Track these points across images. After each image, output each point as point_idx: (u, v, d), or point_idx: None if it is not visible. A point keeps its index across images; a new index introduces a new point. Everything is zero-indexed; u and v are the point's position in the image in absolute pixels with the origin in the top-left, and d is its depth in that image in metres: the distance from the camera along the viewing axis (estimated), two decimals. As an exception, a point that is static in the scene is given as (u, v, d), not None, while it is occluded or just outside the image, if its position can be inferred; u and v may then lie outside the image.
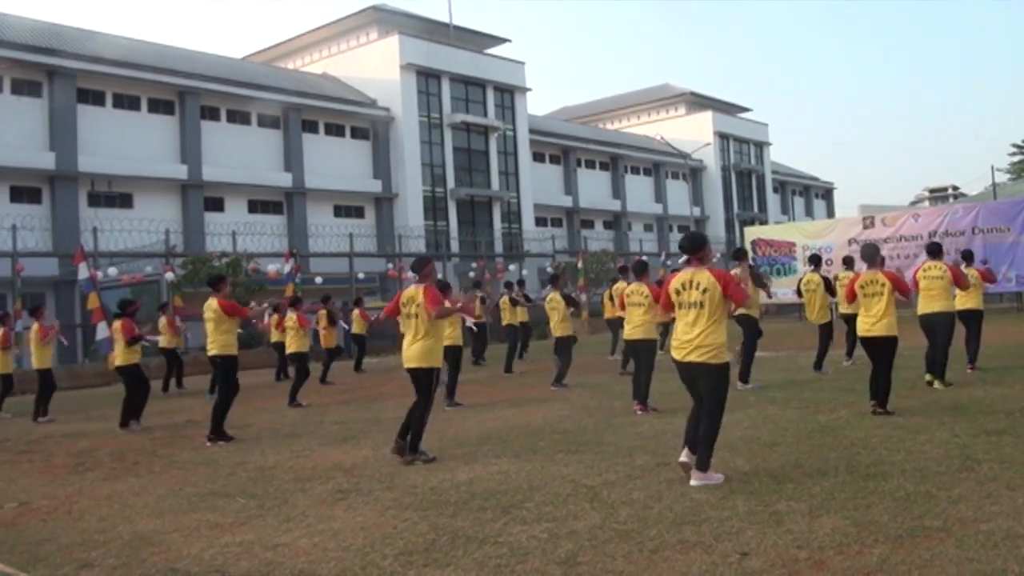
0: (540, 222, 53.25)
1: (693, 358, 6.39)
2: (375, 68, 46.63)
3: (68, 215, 33.98)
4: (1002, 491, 5.52)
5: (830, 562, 4.38)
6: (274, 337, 18.96)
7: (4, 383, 15.65)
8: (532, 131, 53.44)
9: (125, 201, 36.63)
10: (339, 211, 44.32)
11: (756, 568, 4.37)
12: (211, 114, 40.15)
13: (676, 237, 60.55)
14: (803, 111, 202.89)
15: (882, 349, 8.84)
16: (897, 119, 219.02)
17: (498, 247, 46.75)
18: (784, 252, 29.79)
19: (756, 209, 71.43)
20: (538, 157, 55.70)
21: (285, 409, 13.52)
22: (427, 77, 47.04)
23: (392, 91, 45.75)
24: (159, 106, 38.18)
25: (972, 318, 12.27)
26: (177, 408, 14.71)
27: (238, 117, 41.42)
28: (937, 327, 10.86)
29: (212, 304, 10.60)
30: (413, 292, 8.28)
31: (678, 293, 6.55)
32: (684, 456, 6.48)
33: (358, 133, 46.01)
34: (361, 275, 31.37)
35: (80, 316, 27.86)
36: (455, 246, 43.84)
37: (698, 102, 72.24)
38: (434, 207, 46.88)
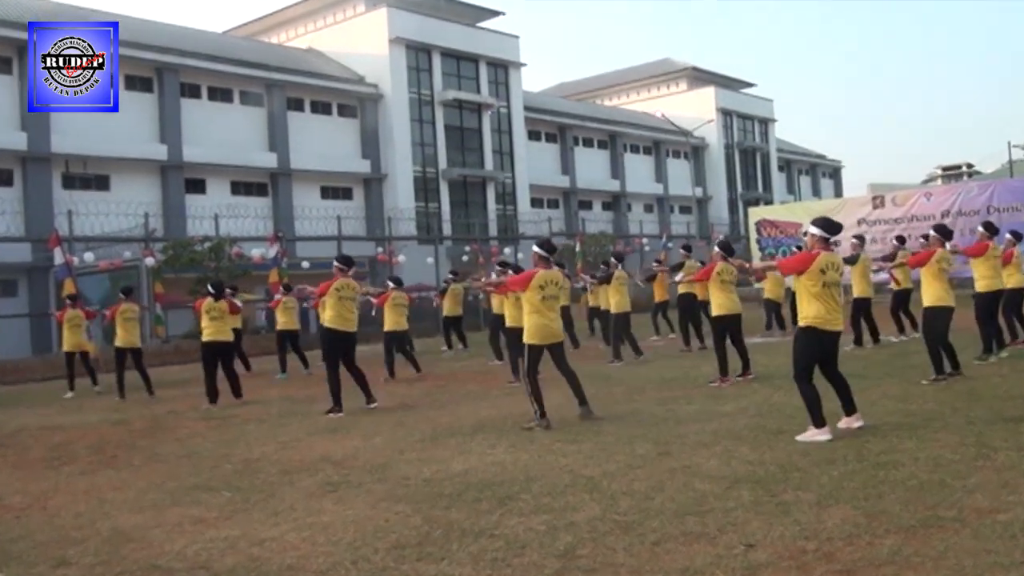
0: (536, 203, 53.20)
1: (841, 328, 7.45)
2: (363, 42, 46.41)
3: (41, 198, 33.86)
4: (1020, 480, 5.52)
5: (839, 554, 4.38)
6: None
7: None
8: (527, 108, 53.30)
9: (101, 183, 36.50)
10: (326, 193, 44.23)
11: (762, 560, 4.37)
12: (191, 92, 39.97)
13: (677, 218, 60.70)
14: (810, 86, 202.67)
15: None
16: (908, 94, 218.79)
17: (492, 230, 46.71)
18: (790, 233, 29.78)
19: (761, 189, 71.43)
20: (533, 135, 55.58)
21: (270, 399, 13.51)
22: (417, 52, 46.86)
23: (381, 67, 45.57)
24: (136, 83, 37.98)
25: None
26: (159, 398, 14.68)
27: (220, 95, 41.25)
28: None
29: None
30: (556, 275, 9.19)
31: (823, 272, 7.29)
32: (856, 420, 7.43)
33: (345, 111, 45.86)
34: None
35: (55, 303, 27.79)
36: (447, 229, 43.80)
37: (700, 77, 72.09)
38: (425, 188, 46.79)
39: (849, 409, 7.54)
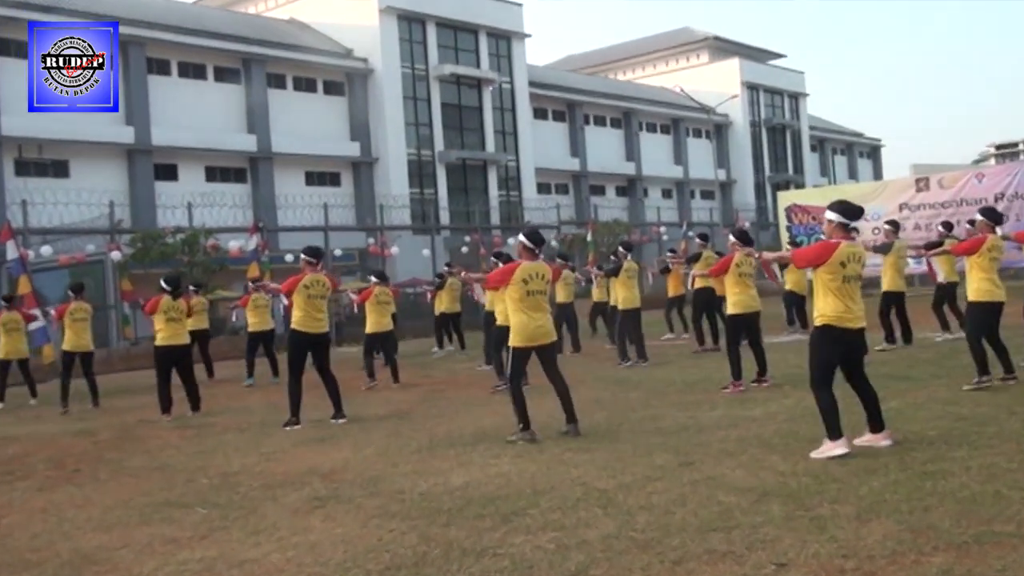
0: (543, 188, 53.22)
1: (863, 324, 7.23)
2: (350, 12, 46.41)
3: (-7, 187, 33.92)
4: (1080, 490, 5.50)
5: (881, 573, 4.36)
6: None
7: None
8: (532, 84, 53.29)
9: (60, 169, 36.55)
10: (311, 179, 44.28)
11: (797, 581, 4.36)
12: (160, 68, 39.99)
13: (699, 204, 60.65)
14: (845, 56, 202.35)
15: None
16: (957, 64, 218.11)
17: (494, 218, 46.73)
18: (823, 219, 29.78)
19: (791, 171, 71.39)
20: (540, 114, 55.58)
21: (252, 406, 13.52)
22: (410, 22, 46.86)
23: (370, 39, 45.57)
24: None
25: None
26: (127, 407, 14.70)
27: (192, 71, 41.26)
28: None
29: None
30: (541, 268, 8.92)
31: (844, 266, 7.08)
32: (885, 439, 7.14)
33: (332, 88, 45.87)
34: (338, 252, 31.35)
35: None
36: (445, 217, 43.85)
37: (723, 48, 72.00)
38: (420, 173, 46.81)
39: (875, 425, 7.21)
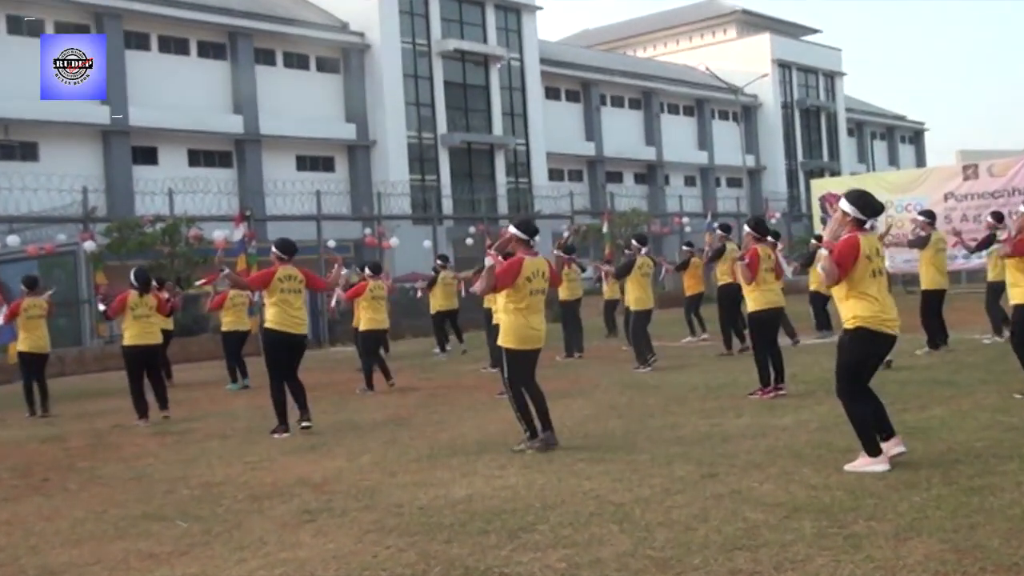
0: (554, 175, 53.18)
1: (898, 329, 7.14)
2: (345, -18, 46.46)
3: (-46, 171, 33.94)
4: None
5: (923, 597, 4.35)
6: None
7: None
8: (544, 61, 53.24)
9: (28, 152, 36.61)
10: (303, 163, 44.31)
11: (829, 605, 4.35)
12: (139, 42, 40.04)
13: (725, 192, 60.58)
14: (886, 32, 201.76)
15: None
16: (1009, 41, 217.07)
17: (502, 207, 46.72)
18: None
19: (826, 157, 71.26)
20: (552, 93, 55.52)
21: (236, 411, 13.54)
22: (411, -8, 46.86)
23: (367, 11, 45.58)
24: (71, 32, 38.03)
25: None
26: (100, 410, 14.73)
27: (173, 46, 41.30)
28: None
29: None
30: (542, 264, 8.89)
31: (870, 260, 6.98)
32: (896, 445, 7.02)
33: (325, 65, 45.88)
34: (332, 243, 31.34)
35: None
36: (448, 206, 43.81)
37: (752, 22, 71.89)
38: (421, 157, 46.82)
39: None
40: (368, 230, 34.46)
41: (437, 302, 20.83)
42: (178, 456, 9.91)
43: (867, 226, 7.12)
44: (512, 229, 8.96)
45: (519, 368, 8.81)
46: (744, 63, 64.89)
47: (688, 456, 7.83)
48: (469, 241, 35.37)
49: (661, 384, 12.93)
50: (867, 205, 7.04)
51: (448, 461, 8.42)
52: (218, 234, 28.11)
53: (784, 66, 68.93)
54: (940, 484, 6.29)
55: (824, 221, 30.32)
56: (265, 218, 35.22)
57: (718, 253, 16.56)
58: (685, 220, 44.17)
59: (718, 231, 17.29)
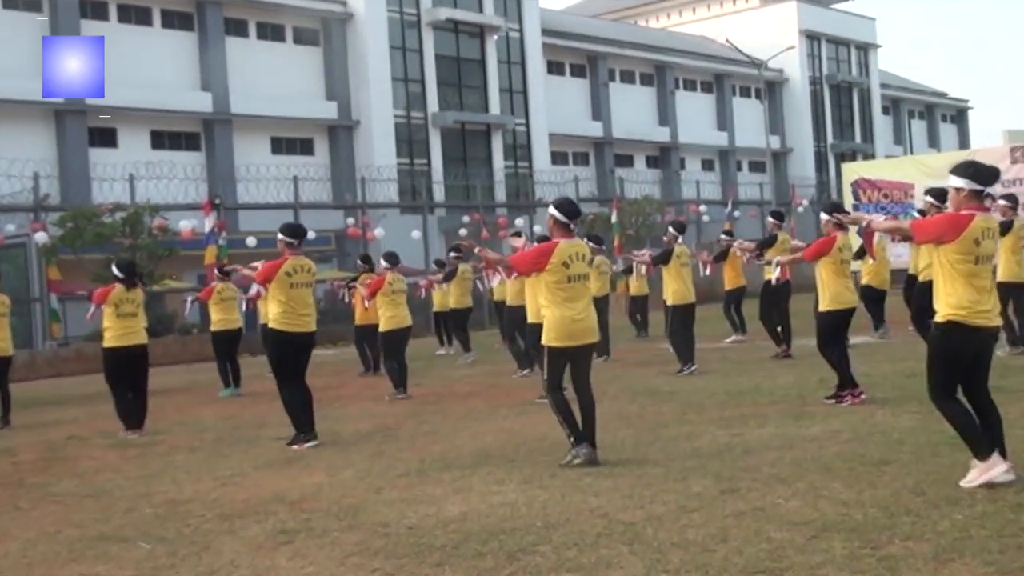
0: (558, 158, 53.14)
1: (999, 322, 7.04)
2: (325, -56, 46.42)
3: None
4: None
5: (965, 625, 4.36)
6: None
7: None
8: (546, 32, 53.18)
9: (-29, 134, 36.56)
10: (278, 146, 44.24)
11: (862, 634, 4.36)
12: (95, 11, 39.94)
13: (746, 177, 60.63)
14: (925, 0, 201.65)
15: None
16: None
17: (499, 193, 46.70)
18: (898, 198, 29.72)
19: (858, 138, 71.22)
20: (555, 68, 55.47)
21: (205, 421, 13.54)
22: (398, -44, 46.82)
23: (350, -24, 45.52)
24: (18, 1, 38.04)
25: None
26: (54, 420, 14.70)
27: (135, 15, 41.23)
28: None
29: None
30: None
31: (978, 244, 6.72)
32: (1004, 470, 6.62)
33: (304, 36, 45.82)
34: (311, 234, 31.33)
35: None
36: (439, 193, 43.78)
37: (778, -11, 71.78)
38: (410, 139, 46.77)
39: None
40: (351, 220, 34.49)
41: (456, 298, 20.72)
42: (140, 471, 9.90)
43: (985, 195, 6.83)
44: (552, 211, 8.77)
45: (560, 368, 8.69)
46: (768, 34, 64.78)
47: (706, 470, 7.83)
48: (463, 232, 35.37)
49: (677, 390, 12.92)
50: (980, 172, 6.80)
51: (440, 476, 8.42)
52: (184, 224, 28.16)
53: (812, 37, 68.85)
54: (984, 500, 6.29)
55: (857, 209, 30.35)
56: (236, 206, 35.26)
57: (769, 241, 16.28)
58: (703, 208, 44.24)
59: (770, 218, 16.92)
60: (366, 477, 8.65)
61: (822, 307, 11.10)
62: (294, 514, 7.43)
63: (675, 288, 15.01)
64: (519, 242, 13.83)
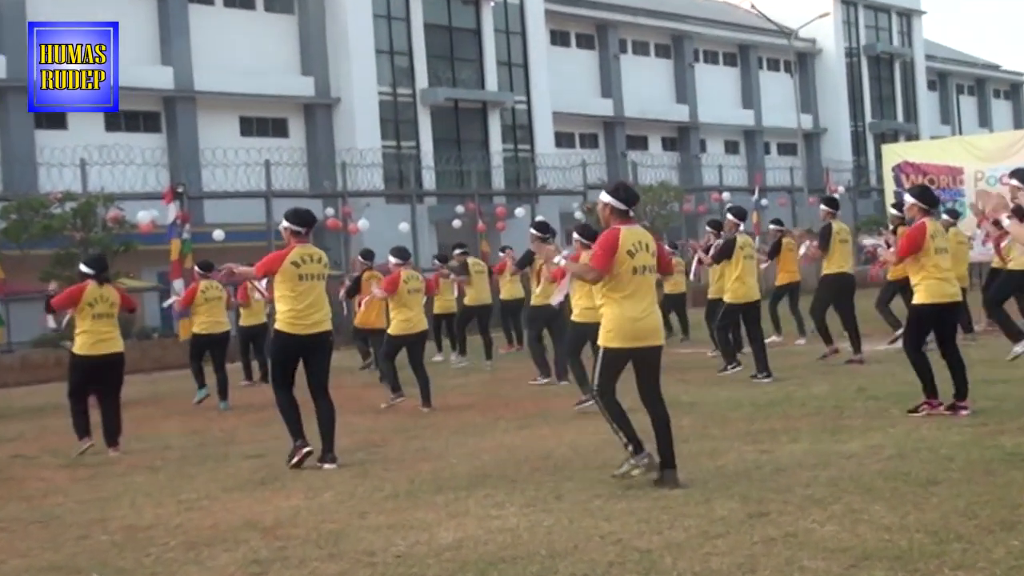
0: (563, 140, 53.16)
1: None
2: (300, -101, 46.41)
3: None
4: None
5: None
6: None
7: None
8: (549, -2, 53.21)
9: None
10: (248, 127, 44.22)
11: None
12: (44, -25, 39.96)
13: (775, 161, 60.63)
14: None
15: None
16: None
17: (497, 180, 46.71)
18: (945, 184, 29.66)
19: (900, 117, 71.22)
20: (560, 39, 55.49)
21: (168, 437, 13.54)
22: (381, -88, 46.81)
23: (328, -64, 45.53)
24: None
25: None
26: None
27: (85, -20, 41.23)
28: None
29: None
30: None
31: None
32: None
33: (276, 4, 45.77)
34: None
35: None
36: (429, 179, 43.80)
37: (810, -52, 71.78)
38: (396, 119, 46.75)
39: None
40: (330, 210, 34.53)
41: (471, 296, 20.78)
42: (95, 493, 9.90)
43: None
44: (605, 196, 8.68)
45: (615, 373, 8.55)
46: (799, 1, 64.83)
47: (731, 491, 7.85)
48: (456, 223, 35.35)
49: (697, 401, 12.92)
50: None
51: (432, 498, 8.43)
52: (143, 215, 28.18)
53: (849, 3, 68.87)
54: (1044, 524, 6.32)
55: (898, 196, 30.31)
56: (202, 195, 35.29)
57: (827, 233, 16.06)
58: (726, 196, 44.17)
59: (823, 207, 16.77)
60: (349, 500, 8.66)
61: (917, 300, 10.76)
62: (268, 542, 7.43)
63: (735, 284, 14.88)
64: (550, 249, 13.18)
